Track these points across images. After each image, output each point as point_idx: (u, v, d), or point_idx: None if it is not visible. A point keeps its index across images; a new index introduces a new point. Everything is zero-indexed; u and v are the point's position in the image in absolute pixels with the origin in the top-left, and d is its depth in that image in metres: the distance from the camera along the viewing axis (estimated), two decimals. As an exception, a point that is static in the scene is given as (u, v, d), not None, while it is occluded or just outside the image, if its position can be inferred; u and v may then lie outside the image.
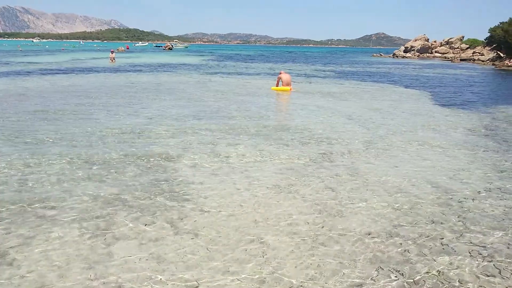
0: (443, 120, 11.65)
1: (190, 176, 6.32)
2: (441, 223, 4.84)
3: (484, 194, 5.83)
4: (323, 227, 4.69)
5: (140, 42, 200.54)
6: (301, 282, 3.60)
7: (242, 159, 7.29)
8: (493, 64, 49.26)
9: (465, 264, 3.94)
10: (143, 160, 7.08)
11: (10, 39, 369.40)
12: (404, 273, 3.75)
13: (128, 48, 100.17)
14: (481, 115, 12.73)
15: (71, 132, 8.96)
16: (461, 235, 4.54)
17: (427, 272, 3.78)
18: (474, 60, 59.45)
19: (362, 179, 6.35)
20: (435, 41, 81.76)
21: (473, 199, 5.61)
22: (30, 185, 5.77)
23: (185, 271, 3.71)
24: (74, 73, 25.75)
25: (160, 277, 3.63)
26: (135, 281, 3.55)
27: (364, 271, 3.79)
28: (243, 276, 3.67)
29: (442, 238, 4.46)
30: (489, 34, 61.59)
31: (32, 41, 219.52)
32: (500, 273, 3.80)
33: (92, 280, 3.54)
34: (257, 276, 3.68)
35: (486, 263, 3.97)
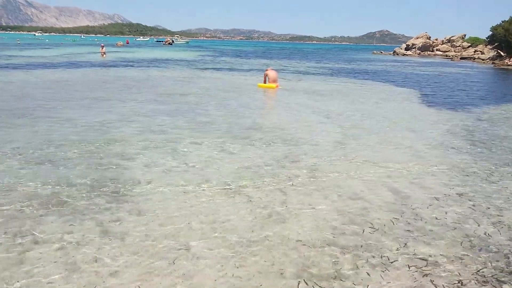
0: (424, 120, 11.32)
1: (139, 176, 6.05)
2: (386, 232, 4.56)
3: (441, 200, 5.53)
4: (261, 234, 4.41)
5: (142, 37, 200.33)
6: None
7: (200, 158, 7.00)
8: (492, 63, 48.73)
9: (399, 278, 3.65)
10: (96, 157, 6.81)
11: (12, 32, 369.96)
12: (327, 289, 3.48)
13: (128, 43, 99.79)
14: (466, 115, 12.40)
15: (34, 128, 8.70)
16: (404, 246, 4.25)
17: (353, 288, 3.50)
18: (474, 58, 58.86)
19: (319, 182, 6.06)
20: (436, 39, 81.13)
21: (428, 206, 5.31)
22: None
23: (95, 281, 3.44)
24: (60, 67, 25.47)
25: (66, 287, 3.37)
26: (32, 293, 3.28)
27: (286, 286, 3.51)
28: (151, 289, 3.40)
29: (382, 248, 4.18)
30: (490, 33, 60.95)
31: (34, 34, 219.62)
32: (432, 289, 3.52)
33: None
34: (167, 289, 3.41)
35: (422, 278, 3.68)
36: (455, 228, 4.70)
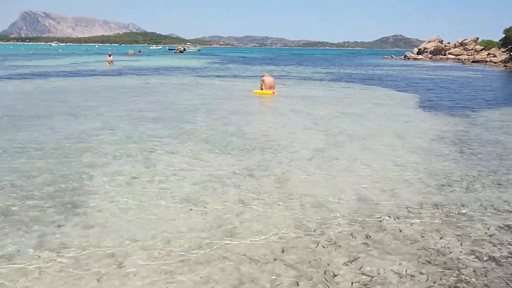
0: (416, 125, 10.95)
1: (101, 186, 5.89)
2: (342, 245, 4.28)
3: (411, 211, 5.22)
4: (205, 248, 4.19)
5: (154, 46, 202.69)
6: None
7: (168, 168, 6.81)
8: (504, 66, 47.60)
9: (336, 298, 3.39)
10: (64, 166, 6.68)
11: (31, 43, 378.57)
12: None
13: (140, 51, 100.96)
14: (461, 119, 11.97)
15: (12, 137, 8.66)
16: (354, 261, 3.97)
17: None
18: (486, 62, 57.69)
19: (285, 192, 5.81)
20: (448, 43, 79.88)
21: (395, 217, 5.01)
22: None
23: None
24: (62, 76, 25.78)
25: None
26: None
27: (210, 306, 3.28)
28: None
29: (330, 264, 3.91)
30: (504, 35, 59.73)
31: (51, 44, 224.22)
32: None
33: None
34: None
35: (363, 297, 3.41)
36: (415, 242, 4.40)
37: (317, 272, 3.77)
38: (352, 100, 15.90)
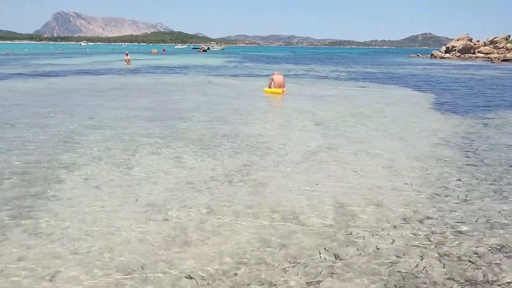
0: (423, 126, 10.22)
1: (69, 191, 5.59)
2: (306, 266, 3.79)
3: (395, 225, 4.66)
4: (150, 261, 3.80)
5: (179, 45, 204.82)
6: None
7: (147, 171, 6.47)
8: (537, 65, 45.29)
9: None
10: (41, 167, 6.44)
11: (62, 42, 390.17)
12: None
13: (164, 50, 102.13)
14: (473, 121, 11.12)
15: (2, 135, 8.56)
16: (313, 284, 3.49)
17: None
18: (517, 60, 55.14)
19: (259, 200, 5.34)
20: (478, 41, 76.88)
21: (374, 233, 4.46)
22: None
23: None
24: (78, 74, 26.05)
25: None
26: None
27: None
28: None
29: (289, 286, 3.45)
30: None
31: (80, 44, 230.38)
32: None
33: None
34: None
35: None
36: (391, 263, 3.87)
37: (266, 295, 3.32)
38: (364, 100, 15.19)
